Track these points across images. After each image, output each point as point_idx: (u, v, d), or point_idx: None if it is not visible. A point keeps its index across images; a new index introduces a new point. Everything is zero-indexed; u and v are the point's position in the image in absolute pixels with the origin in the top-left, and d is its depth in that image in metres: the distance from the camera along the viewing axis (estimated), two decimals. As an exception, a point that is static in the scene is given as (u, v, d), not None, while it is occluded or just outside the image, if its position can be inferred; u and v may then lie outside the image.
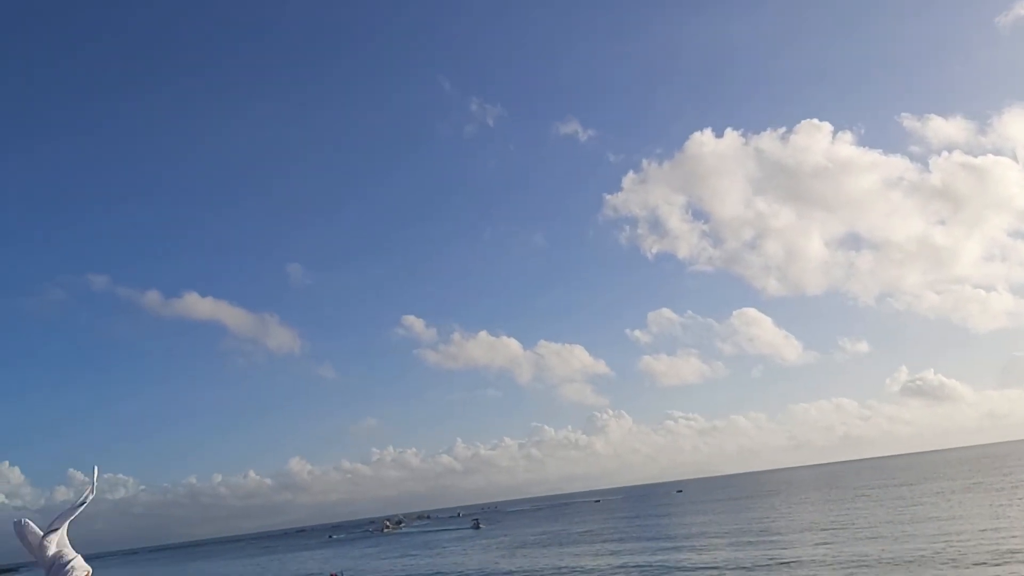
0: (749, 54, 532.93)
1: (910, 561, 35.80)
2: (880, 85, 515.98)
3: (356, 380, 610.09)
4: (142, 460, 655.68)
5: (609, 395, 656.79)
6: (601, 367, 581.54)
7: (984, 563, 33.02)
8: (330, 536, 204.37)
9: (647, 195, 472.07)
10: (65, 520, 1.78)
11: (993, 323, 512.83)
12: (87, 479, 1.93)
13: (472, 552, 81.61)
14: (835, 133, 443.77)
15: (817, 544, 47.79)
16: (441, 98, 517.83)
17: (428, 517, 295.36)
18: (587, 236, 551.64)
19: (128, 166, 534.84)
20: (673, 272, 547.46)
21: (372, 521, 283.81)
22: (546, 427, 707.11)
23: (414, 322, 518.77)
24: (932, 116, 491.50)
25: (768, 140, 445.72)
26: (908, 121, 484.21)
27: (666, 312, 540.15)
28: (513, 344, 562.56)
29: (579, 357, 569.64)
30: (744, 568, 40.56)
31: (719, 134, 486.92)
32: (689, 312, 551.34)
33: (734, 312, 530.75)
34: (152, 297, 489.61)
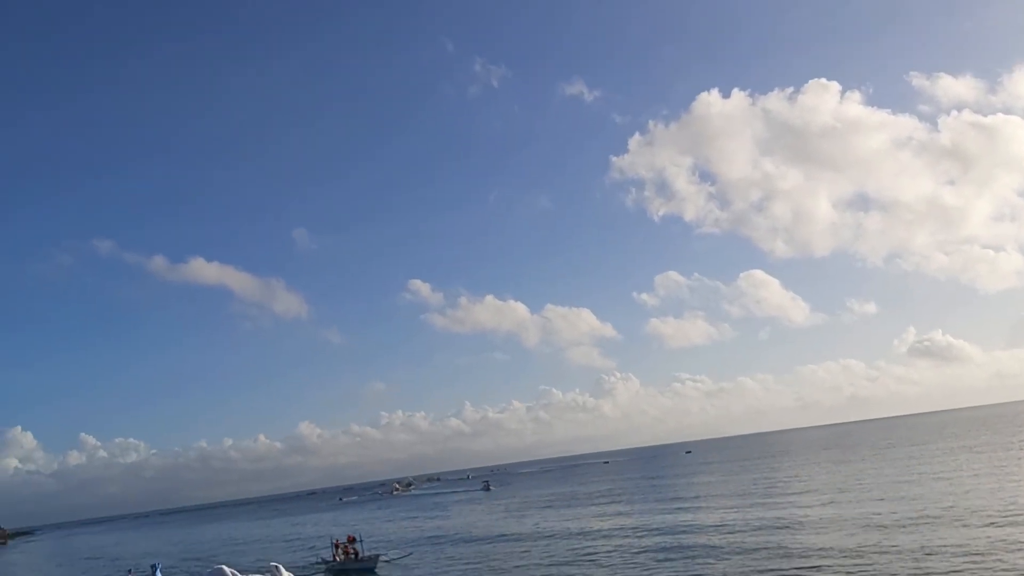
0: (756, 13, 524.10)
1: (918, 522, 35.34)
2: (889, 43, 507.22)
3: (363, 344, 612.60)
4: (153, 424, 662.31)
5: (616, 358, 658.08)
6: (608, 330, 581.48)
7: (993, 524, 32.54)
8: (340, 499, 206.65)
9: (653, 157, 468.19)
10: None
11: (1002, 283, 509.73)
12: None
13: (484, 513, 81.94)
14: (843, 93, 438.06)
15: (824, 504, 47.63)
16: (444, 59, 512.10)
17: (438, 479, 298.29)
18: (593, 198, 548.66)
19: (133, 131, 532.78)
20: (680, 234, 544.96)
21: (382, 484, 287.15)
22: (554, 390, 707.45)
23: (420, 286, 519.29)
24: (942, 74, 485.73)
25: (776, 100, 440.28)
26: (917, 80, 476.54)
27: (673, 275, 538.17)
28: (520, 308, 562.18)
29: (586, 320, 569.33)
30: (753, 529, 40.27)
31: (726, 95, 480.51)
32: (696, 274, 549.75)
33: (741, 274, 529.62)
34: (158, 262, 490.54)
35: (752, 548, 33.73)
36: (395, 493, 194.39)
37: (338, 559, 47.32)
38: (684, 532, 42.52)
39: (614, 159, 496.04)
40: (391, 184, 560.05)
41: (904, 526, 34.47)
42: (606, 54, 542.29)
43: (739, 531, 39.82)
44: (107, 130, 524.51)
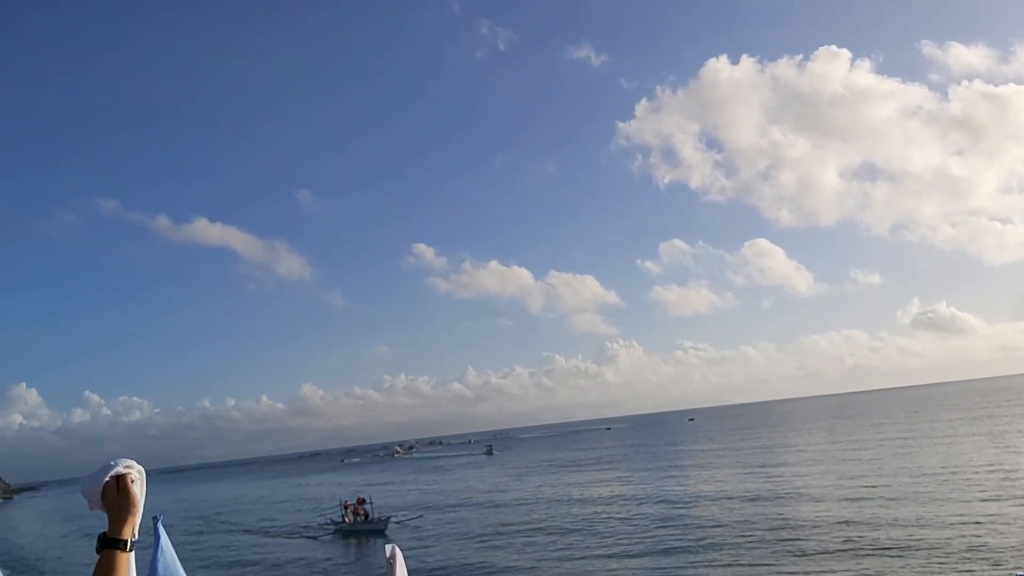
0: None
1: (914, 495, 34.86)
2: (900, 11, 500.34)
3: (367, 308, 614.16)
4: (156, 383, 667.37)
5: (620, 325, 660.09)
6: (612, 297, 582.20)
7: (994, 499, 31.89)
8: (343, 460, 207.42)
9: (660, 123, 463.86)
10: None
11: (1009, 255, 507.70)
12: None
13: (488, 478, 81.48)
14: (853, 60, 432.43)
15: (823, 475, 47.16)
16: (451, 21, 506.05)
17: (440, 443, 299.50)
18: (599, 165, 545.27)
19: (136, 91, 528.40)
20: (685, 202, 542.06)
21: (385, 446, 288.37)
22: (557, 356, 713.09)
23: (424, 250, 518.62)
24: (953, 43, 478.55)
25: (784, 67, 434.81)
26: (928, 48, 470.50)
27: (677, 243, 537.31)
28: (524, 274, 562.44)
29: (590, 287, 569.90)
30: (752, 499, 39.70)
31: (735, 61, 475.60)
32: (700, 243, 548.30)
33: (746, 243, 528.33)
34: (162, 222, 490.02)
35: (750, 518, 33.39)
36: (396, 456, 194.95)
37: (347, 520, 46.81)
38: (684, 500, 42.07)
39: (620, 125, 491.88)
40: (396, 147, 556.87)
41: (900, 499, 34.09)
42: (614, 18, 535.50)
43: (739, 501, 39.32)
44: (111, 91, 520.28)
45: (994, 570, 21.76)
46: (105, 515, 1.86)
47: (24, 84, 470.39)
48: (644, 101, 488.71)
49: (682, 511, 38.27)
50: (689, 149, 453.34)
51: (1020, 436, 60.32)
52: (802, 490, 40.58)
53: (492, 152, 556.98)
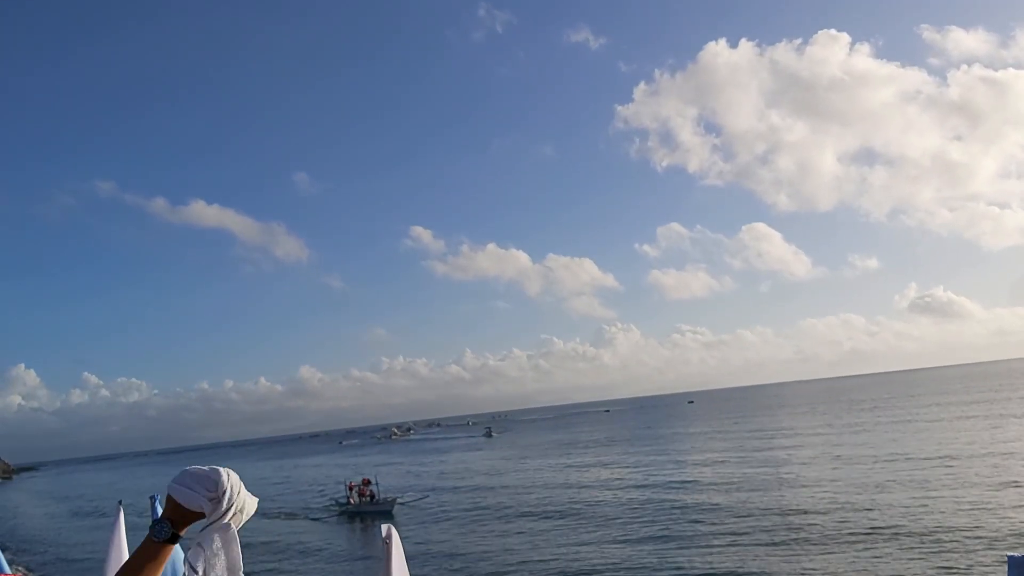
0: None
1: (912, 481, 34.93)
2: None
3: (364, 290, 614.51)
4: (155, 365, 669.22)
5: (617, 308, 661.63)
6: (610, 280, 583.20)
7: (990, 484, 32.13)
8: (341, 442, 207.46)
9: (658, 107, 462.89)
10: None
11: (1006, 240, 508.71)
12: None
13: (490, 460, 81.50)
14: (852, 44, 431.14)
15: (820, 459, 47.23)
16: (449, 3, 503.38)
17: (438, 425, 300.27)
18: (597, 148, 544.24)
19: (131, 73, 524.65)
20: (683, 186, 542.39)
21: (383, 428, 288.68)
22: (555, 339, 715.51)
23: (422, 233, 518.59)
24: (952, 28, 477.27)
25: (783, 51, 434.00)
26: (928, 33, 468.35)
27: (675, 226, 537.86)
28: (522, 257, 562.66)
29: (588, 270, 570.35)
30: (749, 484, 39.59)
31: (733, 44, 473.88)
32: (698, 226, 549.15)
33: (743, 227, 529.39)
34: (159, 204, 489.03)
35: (749, 503, 33.44)
36: (394, 438, 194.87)
37: (353, 502, 46.56)
38: (685, 485, 42.11)
39: (619, 108, 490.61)
40: (393, 130, 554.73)
41: (896, 483, 34.26)
42: (612, 1, 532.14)
43: (739, 486, 39.36)
44: (107, 72, 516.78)
45: (989, 551, 21.89)
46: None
47: (19, 65, 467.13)
48: (642, 85, 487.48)
49: (682, 495, 38.31)
50: (687, 133, 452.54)
51: (1016, 420, 60.21)
52: (800, 475, 40.68)
53: (490, 135, 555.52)
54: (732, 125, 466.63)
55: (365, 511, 45.04)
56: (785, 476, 40.86)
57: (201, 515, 2.18)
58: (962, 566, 20.91)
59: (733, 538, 27.20)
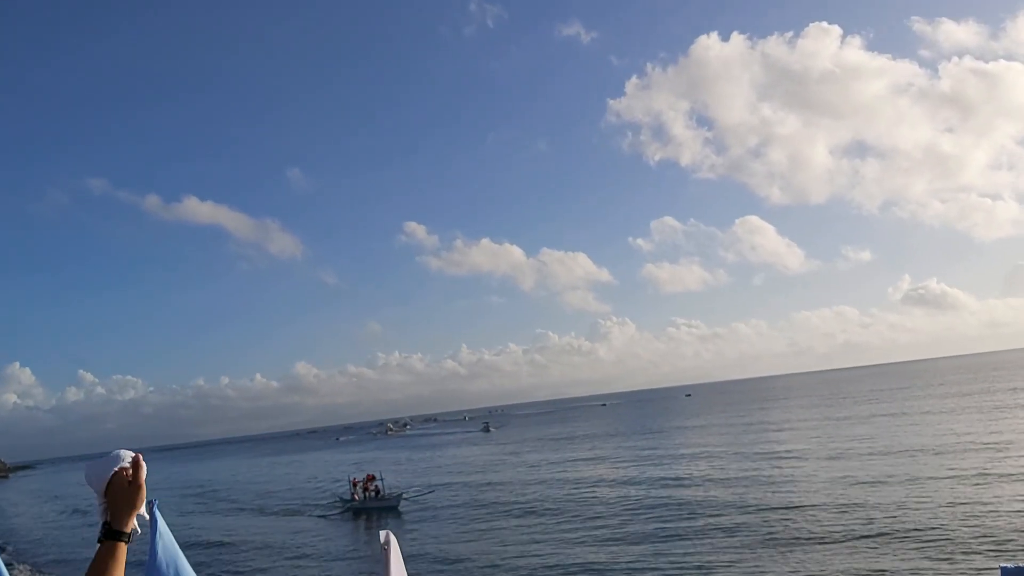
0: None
1: (907, 477, 34.84)
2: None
3: (359, 286, 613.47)
4: (150, 362, 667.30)
5: (612, 302, 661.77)
6: (604, 275, 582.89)
7: (985, 481, 32.04)
8: (338, 438, 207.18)
9: (650, 101, 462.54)
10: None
11: (998, 232, 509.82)
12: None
13: (490, 455, 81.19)
14: (844, 37, 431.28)
15: (817, 453, 47.42)
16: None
17: (435, 420, 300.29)
18: (590, 143, 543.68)
19: (123, 69, 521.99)
20: (676, 180, 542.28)
21: (380, 423, 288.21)
22: (550, 333, 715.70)
23: (416, 228, 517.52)
24: (943, 19, 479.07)
25: (775, 44, 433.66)
26: (919, 25, 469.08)
27: (669, 220, 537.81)
28: (516, 251, 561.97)
29: (582, 264, 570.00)
30: (744, 484, 39.21)
31: (725, 38, 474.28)
32: (692, 220, 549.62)
33: (737, 220, 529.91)
34: (152, 201, 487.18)
35: (747, 501, 33.27)
36: (389, 434, 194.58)
37: (357, 498, 46.28)
38: (683, 482, 41.94)
39: (611, 102, 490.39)
40: (386, 126, 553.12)
41: (891, 480, 34.20)
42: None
43: (733, 483, 39.21)
44: (99, 69, 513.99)
45: (982, 547, 21.90)
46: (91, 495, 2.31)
47: (11, 62, 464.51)
48: (634, 78, 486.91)
49: (680, 491, 38.35)
50: (679, 126, 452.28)
51: (1009, 412, 60.43)
52: (796, 471, 40.71)
53: (484, 130, 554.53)
54: (724, 118, 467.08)
55: (371, 507, 44.79)
56: (780, 472, 40.96)
57: (102, 496, 2.16)
58: (956, 563, 20.98)
59: (728, 535, 27.32)
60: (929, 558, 21.54)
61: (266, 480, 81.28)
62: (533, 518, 36.25)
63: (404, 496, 46.11)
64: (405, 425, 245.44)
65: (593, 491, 42.42)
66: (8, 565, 36.57)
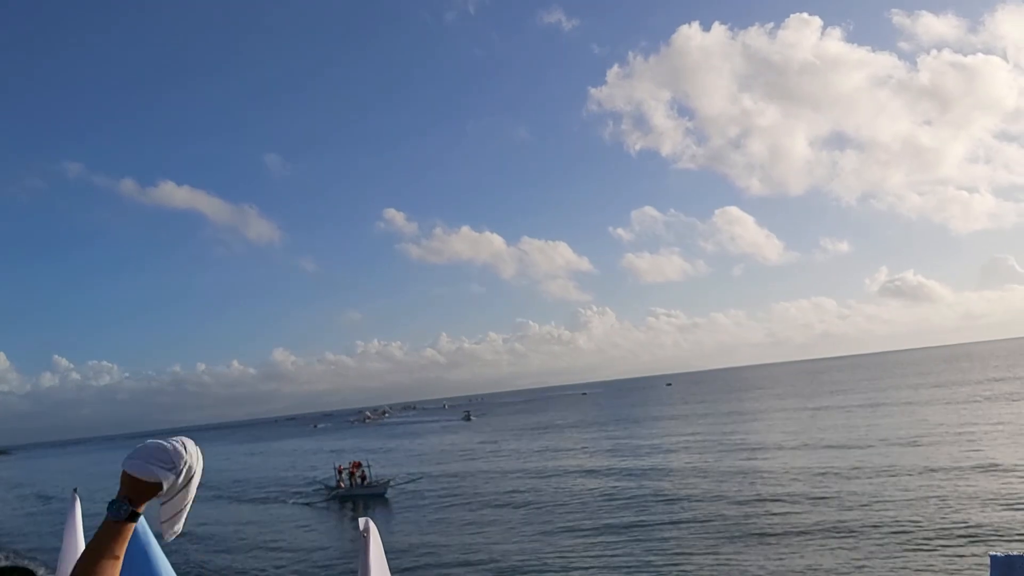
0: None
1: (883, 467, 35.03)
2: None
3: (338, 273, 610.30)
4: (126, 348, 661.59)
5: (592, 291, 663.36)
6: (584, 264, 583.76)
7: (960, 473, 32.32)
8: (315, 425, 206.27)
9: (632, 90, 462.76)
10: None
11: (975, 224, 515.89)
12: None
13: (472, 444, 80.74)
14: (824, 29, 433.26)
15: (793, 446, 47.14)
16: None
17: (414, 408, 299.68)
18: (571, 131, 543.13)
19: (98, 51, 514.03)
20: (657, 169, 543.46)
21: (359, 411, 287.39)
22: (530, 322, 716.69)
23: (395, 215, 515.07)
24: (923, 12, 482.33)
25: (756, 35, 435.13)
26: (898, 17, 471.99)
27: (649, 210, 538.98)
28: (496, 240, 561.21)
29: (562, 254, 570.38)
30: (721, 476, 39.03)
31: (706, 28, 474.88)
32: (672, 210, 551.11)
33: (716, 211, 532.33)
34: (128, 185, 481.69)
35: (724, 492, 33.30)
36: (367, 421, 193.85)
37: (343, 485, 45.76)
38: (661, 473, 41.82)
39: (592, 91, 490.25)
40: (365, 111, 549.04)
41: (867, 470, 34.42)
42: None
43: (710, 475, 39.15)
44: (73, 51, 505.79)
45: (960, 538, 22.16)
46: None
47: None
48: (616, 67, 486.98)
49: (658, 484, 38.23)
50: (660, 116, 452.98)
51: (983, 403, 61.14)
52: (773, 463, 40.65)
53: (464, 117, 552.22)
54: (705, 109, 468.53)
55: (357, 494, 44.28)
56: (757, 462, 41.09)
57: (158, 488, 2.13)
58: (931, 552, 21.13)
59: (703, 525, 27.33)
60: (904, 547, 21.80)
61: (244, 467, 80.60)
62: (516, 508, 36.33)
63: (391, 483, 45.57)
64: (384, 413, 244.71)
65: (576, 481, 42.56)
66: None
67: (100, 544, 2.07)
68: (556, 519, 31.99)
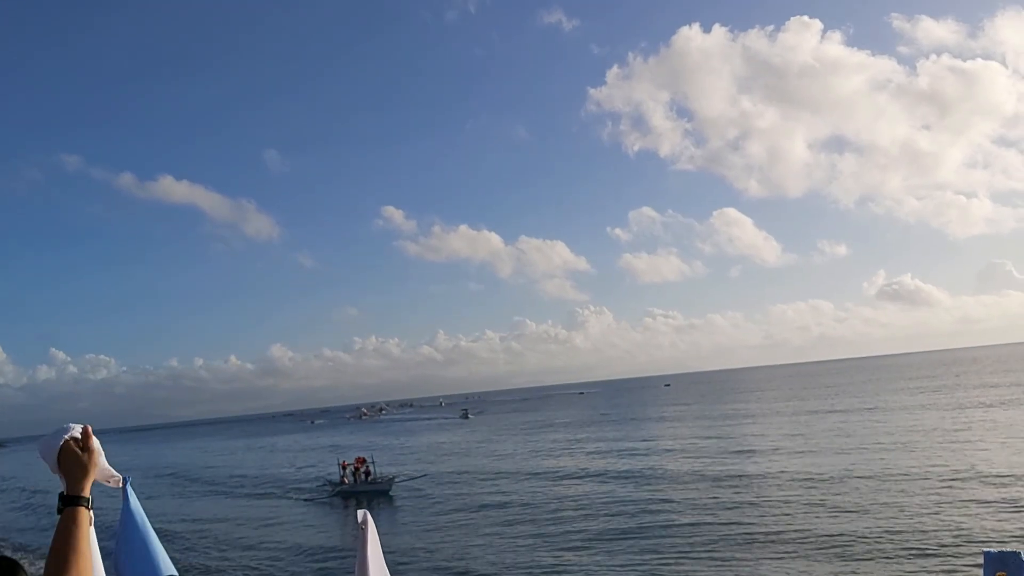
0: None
1: (878, 475, 34.90)
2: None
3: (336, 269, 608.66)
4: (123, 342, 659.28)
5: (590, 291, 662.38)
6: (582, 263, 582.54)
7: (953, 478, 32.44)
8: (312, 421, 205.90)
9: (631, 90, 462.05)
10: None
11: (972, 229, 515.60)
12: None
13: (473, 443, 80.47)
14: (824, 32, 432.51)
15: (790, 453, 46.63)
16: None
17: (411, 405, 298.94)
18: (570, 131, 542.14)
19: (99, 44, 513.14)
20: (655, 170, 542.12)
21: (356, 408, 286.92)
22: (527, 321, 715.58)
23: (394, 213, 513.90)
24: (923, 17, 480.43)
25: (756, 37, 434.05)
26: (898, 22, 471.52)
27: (647, 211, 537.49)
28: (494, 238, 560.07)
29: (560, 253, 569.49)
30: (716, 480, 38.94)
31: (707, 29, 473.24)
32: (670, 211, 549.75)
33: (714, 212, 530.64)
34: (126, 179, 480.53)
35: (725, 500, 32.90)
36: (363, 418, 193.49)
37: (347, 481, 45.52)
38: (657, 478, 41.37)
39: (591, 91, 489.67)
40: (365, 109, 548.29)
41: (863, 478, 34.14)
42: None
43: (707, 478, 38.97)
44: (74, 44, 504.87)
45: (956, 543, 22.32)
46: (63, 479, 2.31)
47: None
48: (615, 68, 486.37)
49: (657, 487, 38.17)
50: (659, 117, 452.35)
51: (979, 410, 61.57)
52: (770, 467, 40.54)
53: (463, 115, 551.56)
54: (704, 110, 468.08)
55: (361, 490, 43.87)
56: (754, 467, 40.91)
57: (83, 465, 2.19)
58: (927, 555, 21.15)
59: (696, 530, 27.18)
60: (897, 551, 22.00)
61: (243, 463, 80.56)
62: (517, 509, 36.12)
63: (396, 480, 45.43)
64: (380, 410, 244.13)
65: (576, 483, 42.48)
66: None
67: (60, 537, 2.07)
68: (555, 522, 32.00)
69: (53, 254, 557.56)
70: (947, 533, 23.01)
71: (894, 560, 21.06)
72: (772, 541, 24.36)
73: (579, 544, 27.13)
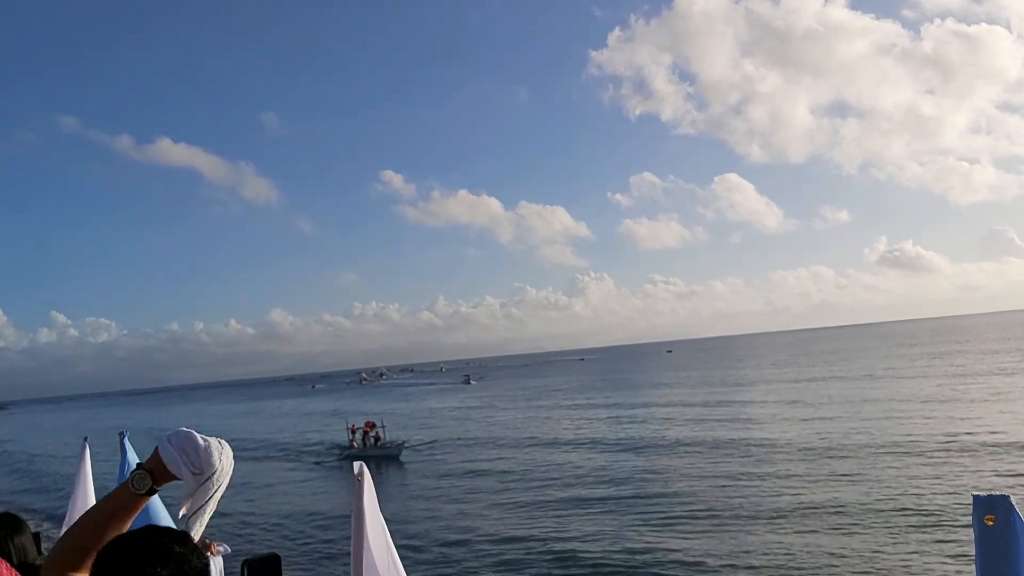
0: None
1: (876, 445, 34.76)
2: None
3: (335, 234, 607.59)
4: (123, 305, 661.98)
5: (590, 257, 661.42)
6: (582, 229, 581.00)
7: (951, 445, 32.60)
8: (313, 386, 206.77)
9: (633, 53, 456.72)
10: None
11: (974, 196, 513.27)
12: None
13: (478, 410, 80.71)
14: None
15: (788, 421, 46.45)
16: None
17: (412, 370, 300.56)
18: (570, 95, 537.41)
19: (94, 3, 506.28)
20: (656, 135, 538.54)
21: (357, 373, 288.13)
22: (527, 287, 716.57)
23: (393, 177, 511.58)
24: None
25: (759, 0, 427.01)
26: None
27: (648, 176, 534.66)
28: (494, 203, 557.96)
29: (560, 219, 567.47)
30: (714, 447, 38.96)
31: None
32: (671, 176, 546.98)
33: (716, 178, 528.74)
34: (124, 141, 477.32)
35: (724, 469, 32.78)
36: (364, 383, 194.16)
37: (355, 445, 45.61)
38: (657, 445, 41.45)
39: (593, 54, 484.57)
40: (364, 72, 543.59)
41: (860, 447, 34.06)
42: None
43: (704, 448, 38.90)
44: (71, 3, 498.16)
45: (953, 509, 22.45)
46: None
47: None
48: (617, 30, 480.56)
49: (654, 457, 38.13)
50: (661, 81, 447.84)
51: (977, 377, 61.58)
52: (770, 434, 40.60)
53: (462, 79, 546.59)
54: (706, 74, 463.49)
55: (370, 455, 43.40)
56: (753, 434, 40.99)
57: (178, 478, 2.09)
58: (925, 524, 21.46)
59: (697, 497, 27.38)
60: (897, 518, 22.15)
61: (245, 427, 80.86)
62: (520, 475, 36.22)
63: (405, 445, 45.46)
64: (381, 375, 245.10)
65: (580, 450, 42.67)
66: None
67: (113, 510, 2.04)
68: (560, 488, 32.20)
69: (51, 217, 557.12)
70: (945, 499, 23.18)
71: (892, 525, 21.23)
72: (772, 507, 24.59)
73: (579, 510, 27.36)
